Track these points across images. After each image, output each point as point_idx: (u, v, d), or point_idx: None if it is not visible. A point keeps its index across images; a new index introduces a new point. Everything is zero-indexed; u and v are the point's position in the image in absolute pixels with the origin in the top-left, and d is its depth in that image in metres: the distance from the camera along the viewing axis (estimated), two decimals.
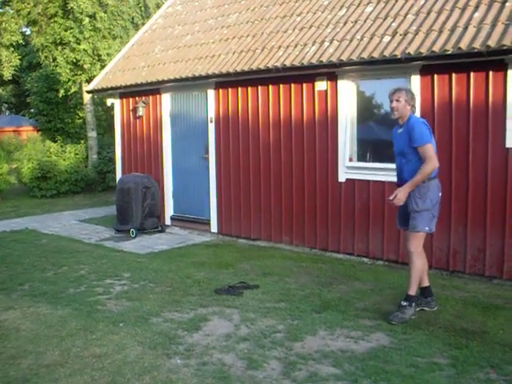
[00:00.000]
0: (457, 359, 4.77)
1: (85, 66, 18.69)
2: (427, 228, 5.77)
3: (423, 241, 5.85)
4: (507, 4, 7.17)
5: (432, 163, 5.58)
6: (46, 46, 19.19)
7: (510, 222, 7.05)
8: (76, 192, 18.16)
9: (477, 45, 6.81)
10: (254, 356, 4.87)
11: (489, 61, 6.95)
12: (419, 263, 5.80)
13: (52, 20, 19.03)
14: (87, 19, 18.17)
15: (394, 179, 7.83)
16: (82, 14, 18.08)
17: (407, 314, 5.72)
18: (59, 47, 18.88)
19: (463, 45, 6.93)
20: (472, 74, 7.22)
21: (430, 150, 5.60)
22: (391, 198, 5.71)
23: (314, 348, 5.05)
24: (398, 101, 5.79)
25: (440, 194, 5.85)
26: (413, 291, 5.80)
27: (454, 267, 7.47)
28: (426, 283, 6.12)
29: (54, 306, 6.33)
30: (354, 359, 4.80)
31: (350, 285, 7.15)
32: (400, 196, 5.65)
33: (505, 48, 6.60)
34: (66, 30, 18.60)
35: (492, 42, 6.70)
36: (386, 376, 4.44)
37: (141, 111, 11.72)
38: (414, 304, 5.81)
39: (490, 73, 7.07)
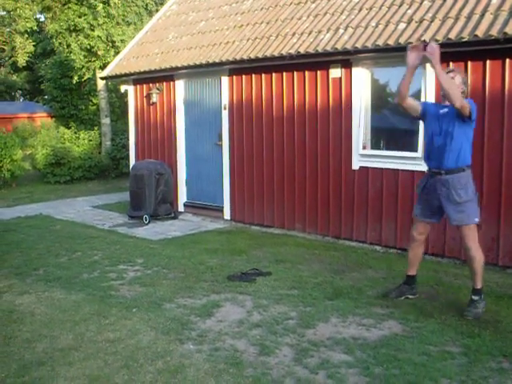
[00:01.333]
0: (469, 348, 4.75)
1: (99, 53, 18.72)
2: (476, 219, 5.59)
3: (477, 233, 5.65)
4: None
5: (460, 100, 5.27)
6: (60, 33, 19.21)
7: None
8: (90, 178, 18.23)
9: (494, 32, 6.74)
10: (266, 342, 4.88)
11: (506, 48, 6.88)
12: (479, 257, 5.60)
13: (66, 6, 19.04)
14: (101, 5, 18.16)
15: (408, 167, 7.88)
16: (96, 0, 18.08)
17: (480, 307, 5.58)
18: (73, 34, 18.89)
19: (480, 32, 6.86)
20: (488, 61, 7.15)
21: (466, 104, 5.31)
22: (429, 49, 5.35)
23: (325, 335, 5.06)
24: (452, 78, 5.50)
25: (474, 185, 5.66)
26: (479, 285, 5.63)
27: (466, 257, 7.43)
28: (413, 272, 6.10)
29: (68, 290, 6.38)
30: (366, 347, 4.80)
31: (363, 272, 7.15)
32: (435, 51, 5.31)
33: None
34: (79, 17, 18.59)
35: (509, 29, 6.62)
36: (398, 364, 4.44)
37: (154, 98, 11.72)
38: (482, 296, 5.65)
39: (507, 60, 7.00)
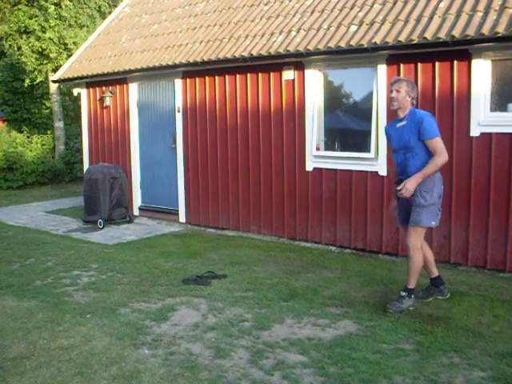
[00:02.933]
0: (422, 345, 4.83)
1: (51, 55, 18.41)
2: (433, 223, 5.66)
3: (423, 236, 5.75)
4: None
5: (444, 156, 5.47)
6: (10, 35, 18.83)
7: (474, 210, 7.16)
8: (43, 183, 17.95)
9: (442, 35, 6.88)
10: (221, 345, 4.88)
11: (453, 50, 7.03)
12: (418, 258, 5.69)
13: (16, 7, 18.69)
14: (52, 7, 17.88)
15: (361, 168, 7.99)
16: (46, 1, 17.80)
17: (405, 304, 5.70)
18: (24, 36, 18.56)
19: (428, 35, 6.99)
20: (437, 63, 7.29)
21: (440, 142, 5.50)
22: (399, 187, 5.50)
23: (281, 336, 5.08)
24: (398, 91, 5.63)
25: (443, 187, 5.74)
26: (412, 285, 5.73)
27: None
28: (435, 273, 6.09)
29: (20, 298, 6.25)
30: (321, 347, 4.84)
31: (318, 273, 7.20)
32: (408, 186, 5.43)
33: (469, 38, 6.68)
34: (30, 18, 18.27)
35: (456, 32, 6.77)
36: (353, 363, 4.49)
37: (108, 101, 11.62)
38: (412, 296, 5.77)
39: (455, 62, 7.16)
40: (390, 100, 5.80)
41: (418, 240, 5.67)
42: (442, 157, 5.46)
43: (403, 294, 5.76)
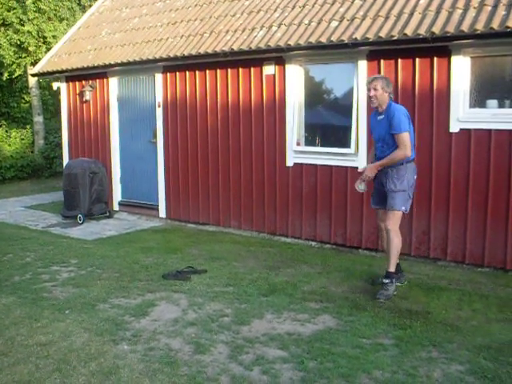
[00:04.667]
0: (401, 339, 4.86)
1: (29, 49, 18.16)
2: (403, 208, 5.97)
3: (400, 220, 6.03)
4: None
5: (403, 151, 5.78)
6: None
7: (453, 205, 7.21)
8: (22, 178, 17.76)
9: (422, 31, 6.91)
10: (201, 340, 4.87)
11: (433, 47, 7.07)
12: (397, 241, 5.98)
13: None
14: (30, 0, 17.70)
15: (341, 163, 8.02)
16: None
17: (390, 290, 5.93)
18: (2, 28, 18.31)
19: (409, 31, 7.02)
20: (417, 59, 7.33)
21: (405, 138, 5.79)
22: (360, 169, 6.02)
23: (261, 331, 5.08)
24: (375, 89, 5.91)
25: (415, 177, 6.09)
26: (392, 268, 6.00)
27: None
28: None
29: None
30: (301, 342, 4.85)
31: (298, 268, 7.21)
32: (367, 173, 5.95)
33: (448, 35, 6.72)
34: (8, 11, 18.03)
35: (436, 29, 6.81)
36: (332, 357, 4.50)
37: (87, 95, 11.53)
38: (394, 280, 6.01)
39: (435, 59, 7.19)
40: (368, 99, 6.09)
41: (395, 223, 5.99)
42: (401, 152, 5.81)
43: (386, 281, 5.98)
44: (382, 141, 5.99)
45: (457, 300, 5.91)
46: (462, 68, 7.01)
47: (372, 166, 5.99)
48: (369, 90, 5.97)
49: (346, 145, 8.05)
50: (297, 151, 8.54)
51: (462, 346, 4.73)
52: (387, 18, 7.48)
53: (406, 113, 5.94)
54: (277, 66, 8.62)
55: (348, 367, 4.32)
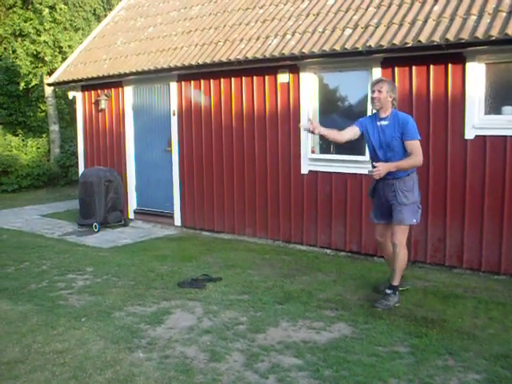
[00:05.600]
0: (416, 347, 4.84)
1: (46, 59, 18.37)
2: (415, 220, 5.88)
3: (407, 233, 5.95)
4: None
5: (420, 157, 5.68)
6: (5, 38, 18.84)
7: (469, 212, 7.17)
8: (38, 186, 17.91)
9: (436, 38, 6.90)
10: (216, 348, 4.87)
11: (448, 54, 7.05)
12: (403, 255, 5.89)
13: (11, 10, 18.69)
14: (47, 10, 17.86)
15: (356, 171, 7.99)
16: (41, 4, 17.78)
17: (391, 301, 5.88)
18: (19, 39, 18.54)
19: (423, 38, 7.01)
20: (432, 66, 7.31)
21: (419, 145, 5.70)
22: (376, 164, 5.69)
23: (276, 339, 5.07)
24: (379, 91, 5.80)
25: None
26: (397, 282, 5.92)
27: (415, 257, 7.57)
28: None
29: (15, 301, 6.24)
30: (316, 350, 4.83)
31: (313, 276, 7.20)
32: (382, 169, 5.59)
33: (463, 41, 6.71)
34: (25, 21, 18.26)
35: (450, 36, 6.79)
36: (348, 366, 4.49)
37: (103, 104, 11.60)
38: (397, 292, 5.95)
39: (449, 65, 7.18)
40: (371, 100, 5.96)
41: (403, 237, 5.88)
42: (418, 158, 5.69)
43: (388, 291, 5.93)
44: (387, 147, 5.81)
45: (473, 308, 5.87)
46: (476, 74, 6.99)
47: (387, 164, 5.65)
48: (373, 91, 5.86)
49: (361, 152, 8.03)
50: (311, 159, 8.54)
51: (478, 355, 4.70)
52: (401, 25, 7.47)
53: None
54: (291, 74, 8.63)
55: (364, 375, 4.30)
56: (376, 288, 6.39)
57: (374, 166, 5.80)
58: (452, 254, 7.37)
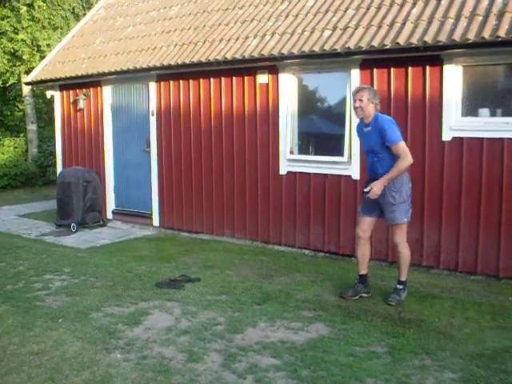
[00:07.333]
0: (393, 347, 4.87)
1: (23, 57, 18.19)
2: (405, 219, 5.98)
3: (405, 231, 6.07)
4: (442, 1, 7.38)
5: (407, 160, 5.72)
6: None
7: (446, 214, 7.24)
8: (15, 186, 17.73)
9: (414, 40, 6.95)
10: (194, 349, 4.87)
11: (426, 56, 7.12)
12: (407, 252, 6.07)
13: None
14: (24, 8, 17.70)
15: (335, 172, 8.03)
16: (18, 2, 17.60)
17: (402, 295, 6.08)
18: None
19: (401, 40, 7.06)
20: (410, 68, 7.37)
21: (403, 147, 5.75)
22: (367, 189, 5.81)
23: (254, 340, 5.08)
24: (360, 100, 5.86)
25: (410, 185, 6.06)
26: (405, 277, 6.13)
27: (392, 258, 7.58)
28: (365, 271, 6.34)
29: None
30: (294, 350, 4.85)
31: (291, 277, 7.21)
32: (375, 190, 5.77)
33: (440, 44, 6.77)
34: (2, 19, 18.03)
35: (428, 38, 6.85)
36: (325, 366, 4.50)
37: (81, 104, 11.53)
38: (405, 287, 6.14)
39: (427, 68, 7.24)
40: (354, 109, 6.05)
41: (403, 236, 6.04)
42: (405, 161, 5.73)
43: (399, 286, 6.13)
44: (372, 152, 5.94)
45: (450, 308, 5.93)
46: (454, 77, 7.06)
47: (378, 182, 5.77)
48: (354, 100, 5.93)
49: (339, 153, 8.07)
50: (290, 159, 8.56)
51: (454, 354, 4.74)
52: (380, 27, 7.52)
53: (393, 121, 5.94)
54: (270, 75, 8.64)
55: (341, 375, 4.32)
56: (341, 293, 6.35)
57: (365, 185, 6.02)
58: (429, 255, 7.43)
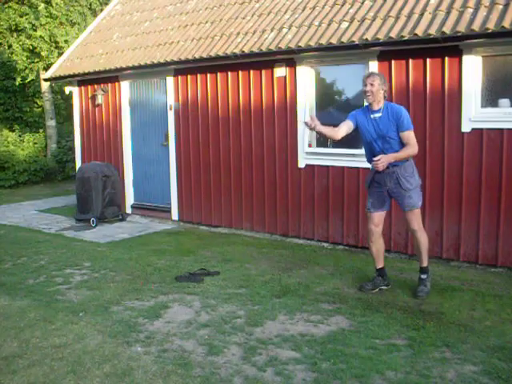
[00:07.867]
0: (414, 340, 4.85)
1: (42, 54, 18.28)
2: (420, 203, 6.02)
3: (420, 216, 6.08)
4: None
5: (415, 148, 5.83)
6: (1, 33, 18.72)
7: (465, 205, 7.18)
8: (35, 182, 17.89)
9: (432, 31, 6.89)
10: (214, 342, 4.88)
11: (444, 47, 7.04)
12: (425, 238, 6.06)
13: (6, 5, 18.57)
14: (42, 5, 17.79)
15: (353, 164, 7.99)
16: None
17: (428, 285, 6.08)
18: (14, 34, 18.45)
19: (419, 31, 7.00)
20: (428, 59, 7.31)
21: (413, 135, 5.85)
22: (376, 158, 5.74)
23: (273, 333, 5.09)
24: (372, 84, 5.87)
25: None
26: (425, 263, 6.10)
27: (412, 251, 7.56)
28: (381, 264, 6.31)
29: (13, 297, 6.24)
30: (314, 343, 4.85)
31: (310, 270, 7.21)
32: (384, 160, 5.69)
33: (459, 34, 6.69)
34: (21, 16, 18.14)
35: (447, 29, 6.78)
36: (345, 358, 4.50)
37: (99, 99, 11.58)
38: (429, 275, 6.15)
39: (446, 58, 7.17)
40: (364, 93, 6.00)
41: (419, 222, 6.05)
42: (414, 148, 5.85)
43: (423, 276, 6.12)
44: (382, 139, 5.88)
45: (470, 300, 5.89)
46: (473, 67, 6.99)
47: (388, 156, 5.75)
48: (365, 84, 5.92)
49: (358, 146, 8.02)
50: (308, 153, 8.55)
51: (475, 347, 4.71)
52: (397, 18, 7.46)
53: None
54: (288, 68, 8.62)
55: (361, 368, 4.31)
56: (361, 287, 6.32)
57: (371, 160, 5.88)
58: (449, 247, 7.39)
